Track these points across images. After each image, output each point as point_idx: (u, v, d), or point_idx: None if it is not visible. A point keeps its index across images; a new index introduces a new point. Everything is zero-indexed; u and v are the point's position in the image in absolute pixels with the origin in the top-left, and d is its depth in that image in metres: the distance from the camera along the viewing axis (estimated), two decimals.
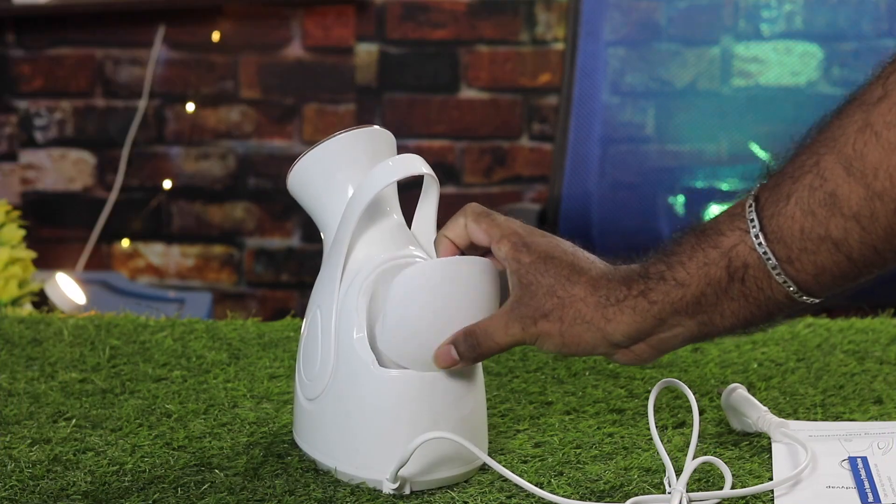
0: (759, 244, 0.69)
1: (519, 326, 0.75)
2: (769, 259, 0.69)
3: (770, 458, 0.83)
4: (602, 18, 2.05)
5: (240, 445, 0.85)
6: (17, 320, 1.15)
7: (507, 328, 0.75)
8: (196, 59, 2.62)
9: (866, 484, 0.77)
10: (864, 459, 0.80)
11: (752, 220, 0.70)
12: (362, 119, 2.60)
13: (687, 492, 0.74)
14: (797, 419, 0.89)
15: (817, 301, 0.71)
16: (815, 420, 0.90)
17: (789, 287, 0.70)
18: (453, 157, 2.62)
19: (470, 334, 0.76)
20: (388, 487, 0.77)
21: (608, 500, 0.77)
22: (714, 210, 2.09)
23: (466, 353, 0.76)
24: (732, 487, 0.77)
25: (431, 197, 0.83)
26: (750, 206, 0.70)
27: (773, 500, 0.77)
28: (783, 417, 0.86)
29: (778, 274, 0.69)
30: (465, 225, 0.79)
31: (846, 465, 0.80)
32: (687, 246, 0.72)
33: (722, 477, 0.77)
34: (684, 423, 0.89)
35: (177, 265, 2.69)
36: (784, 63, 2.06)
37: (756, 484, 0.78)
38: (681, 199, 2.08)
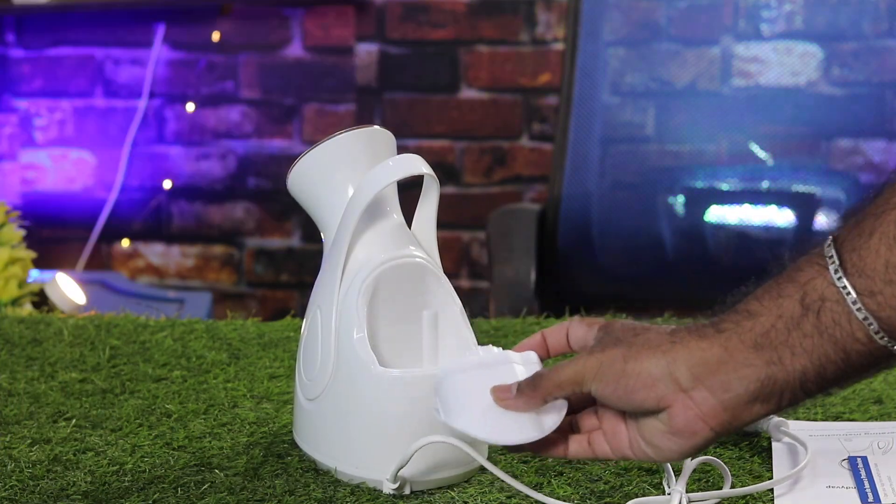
0: (839, 278, 0.66)
1: (586, 354, 0.71)
2: (848, 293, 0.66)
3: (770, 457, 0.83)
4: (602, 18, 2.05)
5: (240, 445, 0.85)
6: (17, 320, 1.15)
7: (575, 360, 0.71)
8: (196, 59, 2.62)
9: (866, 484, 0.77)
10: (864, 459, 0.80)
11: (830, 257, 0.67)
12: (362, 119, 2.60)
13: (686, 492, 0.74)
14: (797, 419, 0.89)
15: None
16: (815, 420, 0.90)
17: (869, 324, 0.66)
18: (453, 158, 2.62)
19: (538, 373, 0.73)
20: (388, 487, 0.77)
21: (608, 500, 0.77)
22: (715, 210, 2.09)
23: (525, 387, 0.72)
24: (732, 487, 0.77)
25: (431, 197, 0.83)
26: (829, 244, 0.68)
27: (773, 499, 0.77)
28: (783, 417, 0.86)
29: (858, 309, 0.66)
30: (566, 326, 0.75)
31: (846, 464, 0.80)
32: (763, 284, 0.70)
33: (722, 477, 0.77)
34: None
35: (177, 265, 2.69)
36: (784, 63, 2.06)
37: (756, 483, 0.78)
38: (681, 199, 2.08)
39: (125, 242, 2.68)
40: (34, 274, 1.80)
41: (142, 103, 2.62)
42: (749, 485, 0.78)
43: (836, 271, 0.66)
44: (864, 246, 0.67)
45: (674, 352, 0.69)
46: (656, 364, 0.69)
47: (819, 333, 0.66)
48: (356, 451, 0.79)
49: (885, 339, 0.66)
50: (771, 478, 0.79)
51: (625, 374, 0.69)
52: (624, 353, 0.69)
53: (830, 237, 0.68)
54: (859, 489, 0.77)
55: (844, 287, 0.66)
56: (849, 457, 0.81)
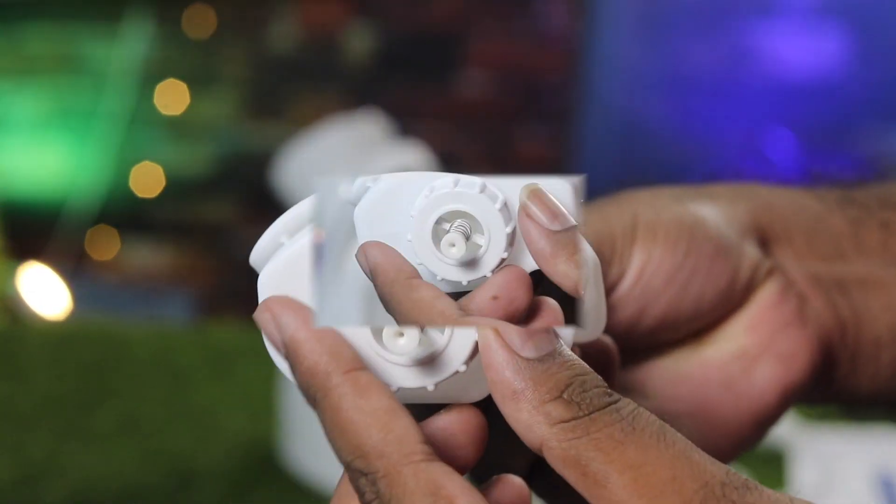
0: None
1: None
2: None
3: (788, 472, 0.82)
4: (616, 4, 2.05)
5: (224, 457, 0.85)
6: None
7: None
8: (182, 45, 2.62)
9: None
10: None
11: None
12: (357, 108, 2.59)
13: None
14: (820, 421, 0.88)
15: None
16: (837, 423, 0.89)
17: None
18: (454, 147, 2.62)
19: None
20: None
21: None
22: None
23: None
24: None
25: None
26: None
27: None
28: (804, 424, 0.86)
29: None
30: None
31: (875, 481, 0.79)
32: None
33: None
34: None
35: (161, 265, 2.69)
36: (808, 50, 2.05)
37: None
38: None
39: (108, 241, 2.68)
40: (11, 275, 1.80)
41: (124, 92, 2.62)
42: None
43: None
44: None
45: None
46: None
47: None
48: None
49: None
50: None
51: None
52: None
53: None
54: None
55: None
56: (879, 473, 0.80)
